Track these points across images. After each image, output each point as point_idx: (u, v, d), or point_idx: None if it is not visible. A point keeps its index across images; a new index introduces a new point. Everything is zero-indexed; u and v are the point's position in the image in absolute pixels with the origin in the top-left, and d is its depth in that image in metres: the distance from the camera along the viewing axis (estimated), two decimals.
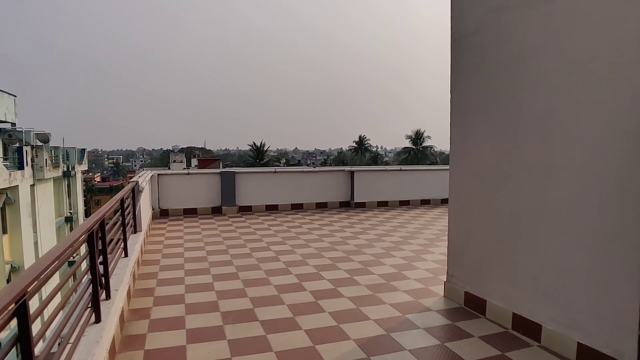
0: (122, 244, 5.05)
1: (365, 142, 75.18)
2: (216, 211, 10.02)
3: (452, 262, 4.79)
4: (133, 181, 6.60)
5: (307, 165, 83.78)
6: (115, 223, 4.63)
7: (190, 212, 9.92)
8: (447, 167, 13.13)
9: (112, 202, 4.47)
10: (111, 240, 4.46)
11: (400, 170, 11.58)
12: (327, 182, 11.00)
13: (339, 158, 79.28)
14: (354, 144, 75.12)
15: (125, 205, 5.88)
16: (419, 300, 4.66)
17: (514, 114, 3.91)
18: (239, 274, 5.48)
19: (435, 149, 66.47)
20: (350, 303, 4.55)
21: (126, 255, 5.02)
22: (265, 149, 57.14)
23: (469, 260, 4.51)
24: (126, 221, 5.73)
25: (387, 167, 11.60)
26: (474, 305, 4.40)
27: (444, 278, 5.27)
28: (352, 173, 11.09)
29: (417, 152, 62.43)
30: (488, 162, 4.25)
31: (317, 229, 8.25)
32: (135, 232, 6.25)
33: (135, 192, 6.36)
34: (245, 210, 10.24)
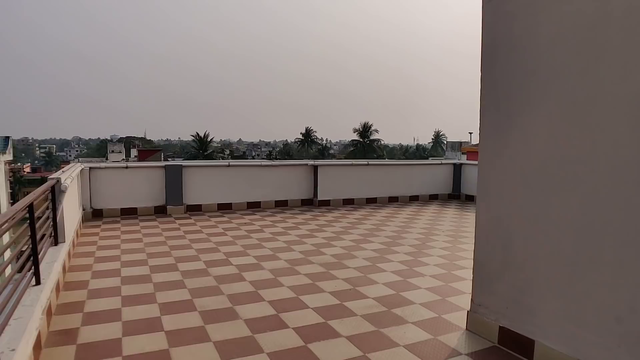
0: (32, 267, 3.65)
1: (312, 135, 74.19)
2: (160, 211, 8.53)
3: (481, 287, 3.73)
4: (53, 178, 5.09)
5: (253, 157, 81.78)
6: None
7: (129, 213, 8.38)
8: (418, 162, 11.64)
9: (13, 211, 3.10)
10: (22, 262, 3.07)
11: (368, 164, 10.53)
12: (287, 177, 9.77)
13: (285, 150, 77.83)
14: (301, 136, 73.96)
15: (41, 210, 4.45)
16: (437, 337, 3.57)
17: (589, 96, 2.88)
18: (194, 302, 4.17)
19: (383, 142, 66.63)
20: (352, 347, 3.38)
21: (38, 283, 3.62)
22: (209, 139, 54.78)
23: (508, 287, 3.47)
24: (42, 231, 4.32)
25: (354, 161, 10.53)
26: (515, 346, 3.36)
27: (454, 301, 4.27)
28: (315, 168, 9.92)
29: (365, 146, 62.25)
30: (543, 159, 3.20)
31: (281, 234, 7.01)
32: (56, 243, 4.79)
33: (55, 193, 4.89)
34: (194, 210, 8.82)
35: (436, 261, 5.70)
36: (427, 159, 59.80)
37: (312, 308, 4.06)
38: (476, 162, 10.91)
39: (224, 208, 9.08)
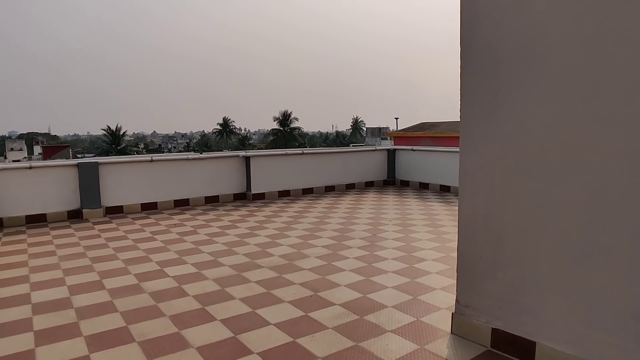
0: None
1: (230, 124, 72.24)
2: (75, 216, 7.44)
3: (468, 287, 3.35)
4: None
5: (169, 150, 78.20)
6: None
7: (36, 220, 7.21)
8: (353, 149, 11.17)
9: None
10: None
11: (303, 153, 10.01)
12: (217, 170, 9.00)
13: (203, 141, 75.15)
14: (218, 126, 71.73)
15: None
16: (425, 347, 3.15)
17: (597, 69, 2.53)
18: (130, 329, 3.43)
19: (303, 130, 66.41)
20: None
21: None
22: (121, 133, 51.36)
23: (500, 285, 3.11)
24: None
25: (288, 151, 9.95)
26: (512, 349, 3.01)
27: (427, 299, 3.90)
28: (247, 159, 9.23)
29: (285, 134, 61.69)
30: (542, 142, 2.83)
31: (219, 235, 6.32)
32: None
33: None
34: (115, 212, 7.82)
35: (393, 254, 5.32)
36: (348, 145, 60.53)
37: (274, 324, 3.48)
38: (408, 148, 10.73)
39: (149, 208, 8.15)
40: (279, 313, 3.67)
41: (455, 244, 5.82)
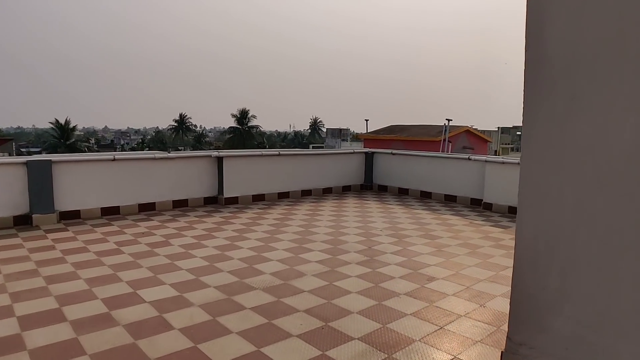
0: None
1: (187, 121, 70.13)
2: (22, 222, 6.45)
3: (524, 323, 2.81)
4: None
5: (122, 146, 75.05)
6: None
7: None
8: (330, 151, 10.40)
9: None
10: None
11: (279, 155, 9.32)
12: (187, 172, 8.19)
13: (158, 138, 72.59)
14: (174, 123, 69.44)
15: None
16: None
17: None
18: None
19: (261, 129, 65.34)
20: None
21: None
22: (70, 127, 48.56)
23: (568, 320, 2.57)
24: None
25: (264, 152, 9.24)
26: None
27: (457, 329, 3.36)
28: (220, 159, 8.46)
29: (243, 132, 60.45)
30: (632, 152, 2.32)
31: (195, 247, 5.57)
32: None
33: None
34: (71, 217, 6.87)
35: (398, 271, 4.77)
36: (308, 146, 59.97)
37: None
38: (387, 151, 10.22)
39: (110, 213, 7.25)
40: (290, 353, 3.02)
41: (460, 260, 5.40)
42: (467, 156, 9.37)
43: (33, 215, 6.41)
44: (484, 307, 3.93)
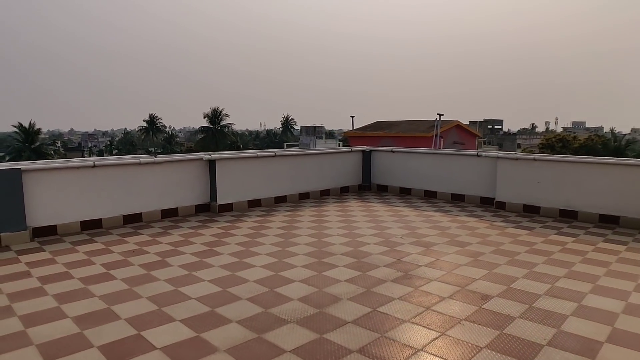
0: None
1: (158, 122, 68.09)
2: None
3: None
4: None
5: (90, 149, 72.39)
6: None
7: None
8: (327, 150, 9.82)
9: None
10: None
11: (275, 155, 8.53)
12: (176, 177, 7.32)
13: (127, 139, 70.28)
14: (144, 124, 67.27)
15: None
16: None
17: None
18: None
19: (234, 128, 64.00)
20: None
21: None
22: (35, 129, 46.21)
23: None
24: None
25: (259, 152, 8.42)
26: None
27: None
28: (212, 163, 7.63)
29: (216, 132, 59.06)
30: None
31: (198, 267, 4.76)
32: None
33: None
34: (46, 234, 5.94)
35: (444, 290, 4.10)
36: (282, 145, 58.95)
37: None
38: (386, 149, 9.60)
39: (91, 227, 6.35)
40: None
41: (503, 270, 4.78)
42: (476, 152, 8.79)
43: (1, 234, 5.46)
44: (562, 331, 3.29)
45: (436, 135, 19.96)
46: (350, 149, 10.19)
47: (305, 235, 6.07)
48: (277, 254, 5.17)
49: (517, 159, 8.01)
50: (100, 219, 6.45)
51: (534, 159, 7.83)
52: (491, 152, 9.06)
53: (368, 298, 3.90)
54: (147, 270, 4.59)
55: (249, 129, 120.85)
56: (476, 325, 3.41)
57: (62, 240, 5.76)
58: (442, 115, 20.29)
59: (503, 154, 8.36)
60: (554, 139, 37.60)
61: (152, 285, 4.18)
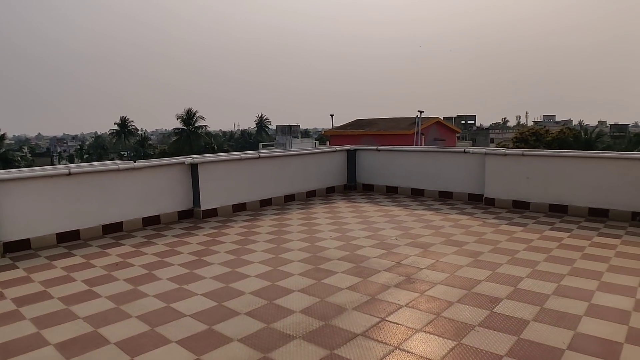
0: None
1: (129, 125, 66.63)
2: None
3: None
4: None
5: (59, 154, 70.36)
6: None
7: None
8: (313, 150, 9.86)
9: None
10: None
11: (259, 157, 8.25)
12: (157, 183, 6.99)
13: (98, 144, 68.54)
14: (116, 127, 65.72)
15: None
16: None
17: None
18: None
19: (208, 129, 63.15)
20: None
21: None
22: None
23: None
24: None
25: (243, 154, 8.11)
26: None
27: None
28: (194, 167, 7.32)
29: (190, 134, 58.15)
30: None
31: (190, 279, 4.48)
32: None
33: None
34: (20, 249, 5.53)
35: (451, 294, 3.93)
36: (257, 145, 58.40)
37: None
38: (371, 147, 9.45)
39: (68, 239, 5.97)
40: None
41: (506, 270, 4.73)
42: (463, 149, 8.69)
43: None
44: (579, 333, 3.15)
45: (417, 133, 20.00)
46: (334, 149, 9.98)
47: (297, 240, 5.83)
48: (271, 262, 4.92)
49: (505, 154, 7.93)
50: (78, 230, 6.08)
51: (523, 154, 7.77)
52: (479, 148, 8.98)
53: (374, 306, 3.69)
54: (134, 285, 4.29)
55: (223, 130, 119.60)
56: (491, 331, 3.25)
57: (37, 255, 5.38)
58: (423, 112, 20.36)
59: (491, 150, 8.28)
60: (527, 133, 38.25)
61: (141, 302, 3.89)
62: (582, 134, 40.77)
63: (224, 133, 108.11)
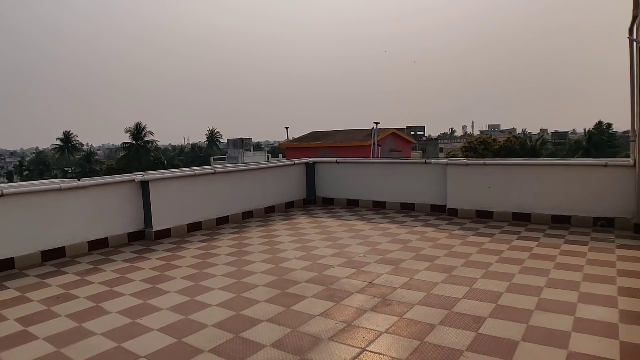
0: None
1: (73, 139, 63.67)
2: None
3: None
4: None
5: None
6: None
7: None
8: (271, 164, 9.50)
9: None
10: None
11: (215, 173, 7.79)
12: (104, 203, 6.43)
13: (39, 159, 64.95)
14: (59, 142, 62.59)
15: None
16: None
17: None
18: None
19: (158, 144, 61.39)
20: None
21: None
22: None
23: None
24: None
25: (197, 170, 7.60)
26: None
27: None
28: (145, 184, 6.80)
29: (139, 148, 56.27)
30: None
31: (144, 312, 4.00)
32: None
33: None
34: None
35: (432, 316, 3.67)
36: (209, 159, 57.15)
37: None
38: (331, 160, 9.21)
39: (1, 268, 5.33)
40: None
41: (483, 285, 4.62)
42: (424, 160, 8.59)
43: None
44: (573, 352, 2.95)
45: (374, 144, 19.99)
46: (293, 162, 9.66)
47: (260, 261, 5.45)
48: (234, 287, 4.51)
49: (467, 164, 7.86)
50: (12, 258, 5.45)
51: (484, 164, 7.72)
52: (440, 158, 8.91)
53: (352, 335, 3.37)
54: (79, 322, 3.78)
55: (172, 144, 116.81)
56: (481, 355, 3.00)
57: None
58: (379, 123, 20.40)
59: (452, 160, 8.22)
60: (475, 142, 39.35)
61: (87, 342, 3.40)
62: (527, 141, 42.41)
63: (174, 147, 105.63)
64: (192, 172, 7.49)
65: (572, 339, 3.21)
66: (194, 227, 7.36)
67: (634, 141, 6.18)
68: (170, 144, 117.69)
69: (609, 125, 54.03)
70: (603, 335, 3.24)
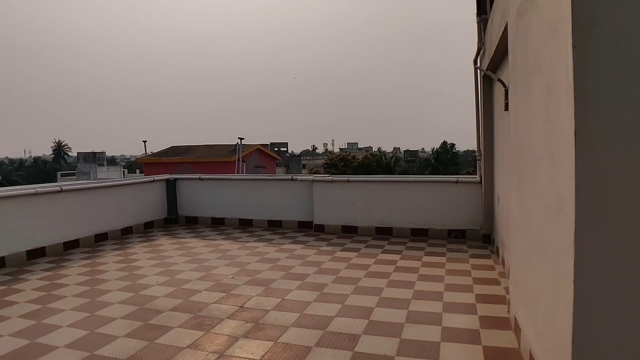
0: None
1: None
2: None
3: None
4: None
5: None
6: None
7: None
8: (124, 181, 9.34)
9: None
10: None
11: (61, 191, 6.85)
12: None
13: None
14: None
15: None
16: None
17: None
18: None
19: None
20: None
21: None
22: None
23: None
24: None
25: (38, 188, 6.59)
26: None
27: None
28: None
29: None
30: None
31: None
32: None
33: None
34: None
35: (307, 337, 3.57)
36: (56, 175, 51.54)
37: None
38: (194, 177, 8.93)
39: None
40: None
41: (355, 302, 4.54)
42: (290, 176, 8.60)
43: None
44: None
45: (238, 160, 19.64)
46: (152, 178, 9.00)
47: (117, 289, 4.87)
48: (86, 323, 3.94)
49: (332, 181, 8.04)
50: None
51: (348, 180, 7.96)
52: (306, 175, 9.00)
53: None
54: None
55: (10, 157, 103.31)
56: None
57: None
58: (243, 139, 20.14)
59: (318, 177, 8.34)
60: (336, 159, 41.24)
61: None
62: (383, 159, 45.63)
63: (12, 161, 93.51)
64: (34, 190, 6.51)
65: (442, 349, 3.33)
66: (37, 254, 6.39)
67: (480, 160, 6.85)
68: (7, 156, 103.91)
69: (452, 145, 60.63)
70: (468, 342, 3.42)
